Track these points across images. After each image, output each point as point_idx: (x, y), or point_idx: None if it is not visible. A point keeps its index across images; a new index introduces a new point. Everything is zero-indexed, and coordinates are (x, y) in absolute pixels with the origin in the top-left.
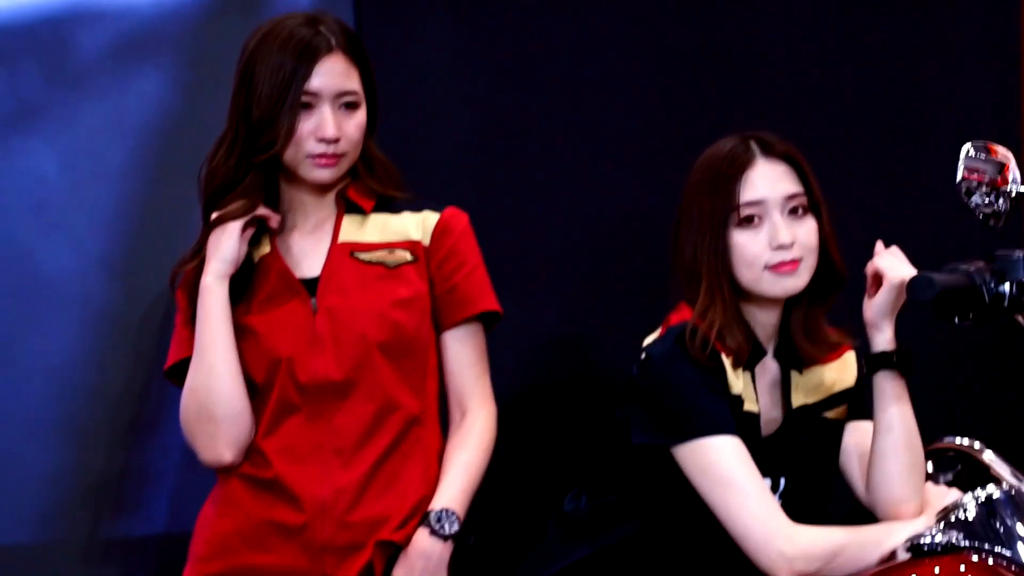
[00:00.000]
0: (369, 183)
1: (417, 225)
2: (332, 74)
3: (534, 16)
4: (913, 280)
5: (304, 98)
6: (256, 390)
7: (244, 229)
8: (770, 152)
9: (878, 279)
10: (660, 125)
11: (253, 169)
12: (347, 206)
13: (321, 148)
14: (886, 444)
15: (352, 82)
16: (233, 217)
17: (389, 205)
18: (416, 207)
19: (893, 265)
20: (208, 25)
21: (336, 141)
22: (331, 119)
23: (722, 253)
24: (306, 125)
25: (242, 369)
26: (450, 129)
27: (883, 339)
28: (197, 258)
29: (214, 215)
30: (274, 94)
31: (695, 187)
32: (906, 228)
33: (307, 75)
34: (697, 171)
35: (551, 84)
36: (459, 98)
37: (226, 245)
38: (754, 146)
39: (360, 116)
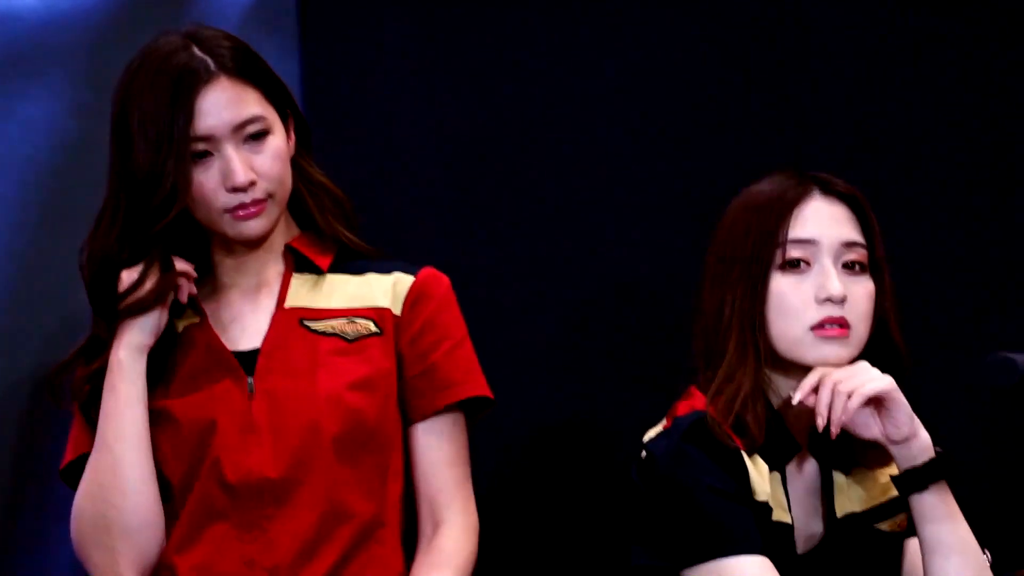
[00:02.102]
0: (320, 222)
1: (386, 290)
2: (220, 106)
3: (525, 39)
4: (990, 361)
5: (197, 145)
6: (171, 491)
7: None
8: (830, 190)
9: (879, 399)
10: (677, 174)
11: (154, 244)
12: (297, 263)
13: (237, 199)
14: (944, 570)
15: (250, 107)
16: (143, 309)
17: (351, 263)
18: (385, 268)
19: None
20: (111, 35)
21: (252, 184)
22: (237, 161)
23: (760, 301)
24: (209, 176)
25: (155, 466)
26: (419, 174)
27: (919, 448)
28: (91, 366)
29: (122, 308)
30: (151, 151)
31: (730, 228)
32: (983, 305)
33: (189, 118)
34: (735, 209)
35: (545, 120)
36: (431, 137)
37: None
38: (811, 181)
39: (275, 143)
